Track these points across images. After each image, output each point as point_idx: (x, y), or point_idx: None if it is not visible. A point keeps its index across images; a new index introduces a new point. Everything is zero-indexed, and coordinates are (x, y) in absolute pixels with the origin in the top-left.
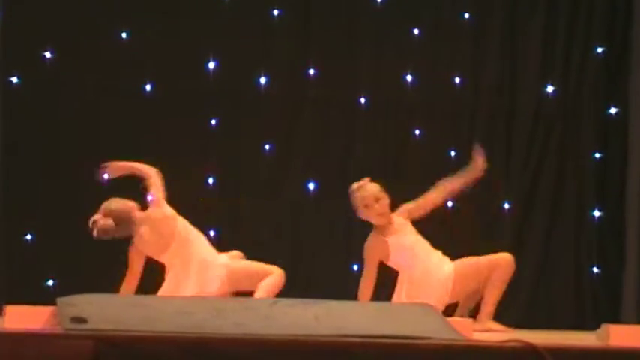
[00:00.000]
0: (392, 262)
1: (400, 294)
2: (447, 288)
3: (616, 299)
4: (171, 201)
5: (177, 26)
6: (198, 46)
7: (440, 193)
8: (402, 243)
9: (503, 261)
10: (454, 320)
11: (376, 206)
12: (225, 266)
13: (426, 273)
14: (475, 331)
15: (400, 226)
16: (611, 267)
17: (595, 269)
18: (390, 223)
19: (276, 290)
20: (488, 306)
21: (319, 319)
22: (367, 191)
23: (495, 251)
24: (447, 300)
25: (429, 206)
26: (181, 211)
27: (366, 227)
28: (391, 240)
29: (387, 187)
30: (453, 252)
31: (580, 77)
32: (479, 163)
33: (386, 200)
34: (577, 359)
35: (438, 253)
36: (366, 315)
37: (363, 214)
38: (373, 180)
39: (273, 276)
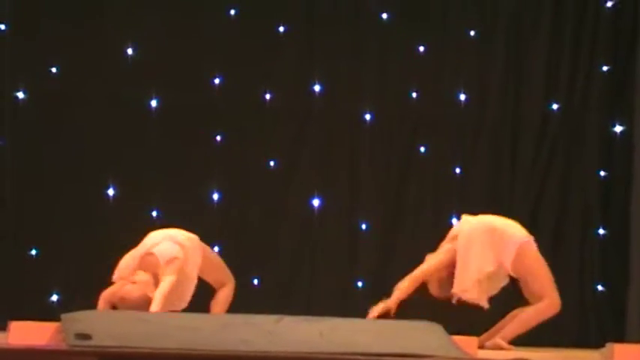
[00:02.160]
0: None
1: None
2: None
3: (620, 317)
4: (176, 216)
5: (182, 41)
6: (203, 61)
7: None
8: None
9: (551, 302)
10: (459, 338)
11: None
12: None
13: None
14: (481, 348)
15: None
16: (615, 285)
17: (599, 287)
18: None
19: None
20: (510, 334)
21: (324, 336)
22: None
23: None
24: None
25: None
26: (185, 225)
27: (371, 243)
28: None
29: (392, 203)
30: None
31: (585, 95)
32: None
33: None
34: None
35: None
36: (371, 332)
37: None
38: (378, 194)
39: (229, 288)
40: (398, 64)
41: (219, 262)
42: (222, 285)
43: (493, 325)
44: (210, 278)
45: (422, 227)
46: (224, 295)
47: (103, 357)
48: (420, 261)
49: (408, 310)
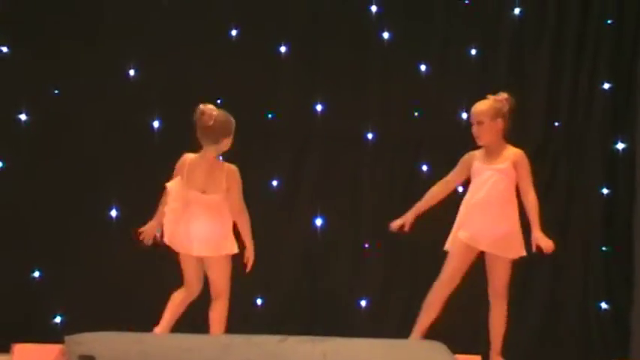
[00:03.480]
0: None
1: None
2: None
3: (624, 335)
4: None
5: (184, 62)
6: (205, 82)
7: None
8: None
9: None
10: (463, 358)
11: None
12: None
13: None
14: None
15: None
16: (619, 303)
17: (603, 305)
18: None
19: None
20: (497, 343)
21: (327, 357)
22: None
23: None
24: None
25: None
26: None
27: (374, 262)
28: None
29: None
30: (462, 287)
31: (587, 112)
32: (542, 241)
33: None
34: None
35: None
36: (374, 352)
37: None
38: (381, 213)
39: (224, 303)
40: (399, 83)
41: (229, 267)
42: (219, 295)
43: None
44: (214, 276)
45: (425, 246)
46: (219, 313)
47: None
48: (424, 285)
49: (412, 328)
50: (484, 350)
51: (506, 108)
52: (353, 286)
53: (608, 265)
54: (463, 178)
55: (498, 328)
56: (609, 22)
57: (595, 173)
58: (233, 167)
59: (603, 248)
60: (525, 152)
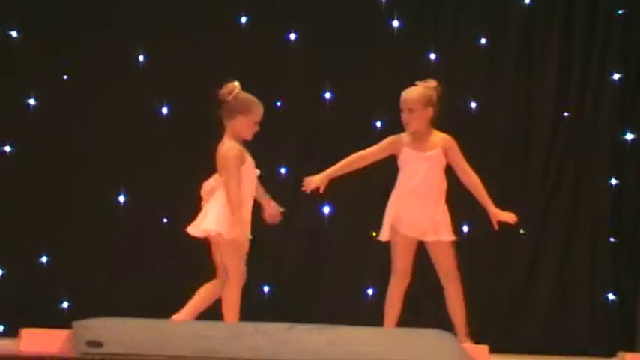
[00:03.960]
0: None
1: None
2: None
3: (631, 326)
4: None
5: (193, 49)
6: (214, 68)
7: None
8: None
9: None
10: (469, 347)
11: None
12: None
13: None
14: None
15: None
16: (626, 293)
17: (610, 296)
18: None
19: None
20: (461, 327)
21: (334, 345)
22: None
23: (511, 277)
24: None
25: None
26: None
27: (382, 251)
28: None
29: None
30: (469, 278)
31: (596, 103)
32: (503, 216)
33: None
34: None
35: None
36: (381, 341)
37: None
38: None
39: (234, 287)
40: (408, 72)
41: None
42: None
43: (502, 332)
44: (224, 259)
45: None
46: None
47: None
48: (430, 273)
49: (418, 318)
50: (491, 339)
51: (435, 96)
52: (360, 275)
53: (615, 256)
54: (383, 157)
55: (459, 312)
56: (619, 12)
57: (603, 164)
58: (226, 151)
59: (611, 239)
60: (535, 143)
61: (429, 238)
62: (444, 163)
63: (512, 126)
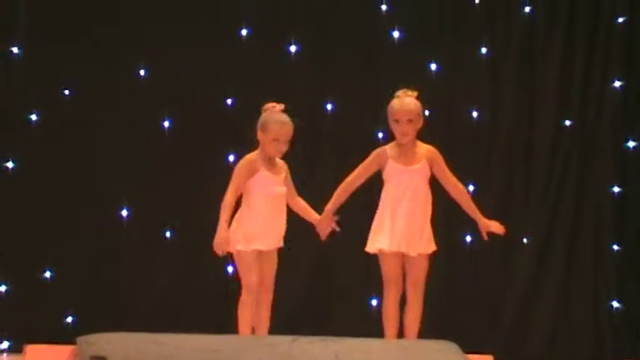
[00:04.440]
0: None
1: None
2: None
3: (636, 334)
4: (190, 237)
5: (195, 61)
6: (216, 81)
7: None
8: None
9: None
10: (475, 358)
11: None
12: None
13: None
14: None
15: None
16: (630, 301)
17: (615, 303)
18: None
19: None
20: (413, 335)
21: (339, 357)
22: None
23: (515, 286)
24: None
25: None
26: (200, 246)
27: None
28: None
29: None
30: (473, 287)
31: (598, 111)
32: (492, 226)
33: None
34: None
35: None
36: (387, 353)
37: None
38: None
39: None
40: (410, 82)
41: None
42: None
43: (507, 341)
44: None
45: (435, 245)
46: (240, 309)
47: None
48: (435, 283)
49: (423, 329)
50: (495, 349)
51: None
52: (365, 285)
53: (620, 264)
54: (372, 173)
55: (415, 324)
56: (620, 19)
57: (606, 171)
58: (240, 161)
59: (615, 247)
60: (537, 151)
61: (413, 252)
62: (429, 174)
63: (514, 135)
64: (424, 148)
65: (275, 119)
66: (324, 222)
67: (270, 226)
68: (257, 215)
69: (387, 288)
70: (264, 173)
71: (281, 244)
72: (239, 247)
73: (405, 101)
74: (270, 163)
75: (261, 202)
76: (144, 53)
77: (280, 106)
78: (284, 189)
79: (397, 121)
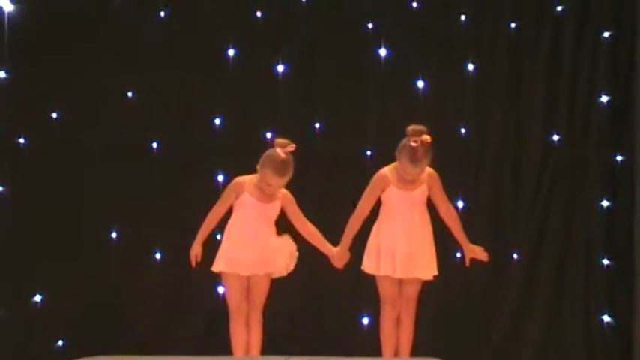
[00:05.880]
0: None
1: None
2: None
3: (627, 347)
4: (180, 257)
5: (182, 83)
6: (203, 102)
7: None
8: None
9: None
10: None
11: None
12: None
13: None
14: None
15: None
16: (621, 315)
17: (605, 317)
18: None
19: None
20: (406, 351)
21: None
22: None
23: (505, 301)
24: None
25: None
26: (189, 266)
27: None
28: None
29: None
30: (463, 302)
31: (585, 125)
32: (477, 253)
33: None
34: None
35: None
36: None
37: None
38: None
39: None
40: (397, 99)
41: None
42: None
43: (497, 356)
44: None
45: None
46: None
47: None
48: (425, 300)
49: (415, 345)
50: None
51: None
52: (355, 304)
53: (609, 277)
54: (377, 198)
55: (408, 339)
56: (606, 34)
57: (594, 186)
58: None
59: (604, 261)
60: (525, 166)
61: (415, 275)
62: (427, 196)
63: (502, 151)
64: (424, 172)
65: (276, 168)
66: (342, 256)
67: (254, 251)
68: (236, 238)
69: (384, 307)
70: (246, 197)
71: (271, 270)
72: (220, 269)
73: (420, 126)
74: (261, 189)
75: (241, 226)
76: (131, 75)
77: (292, 147)
78: (270, 218)
79: (418, 142)
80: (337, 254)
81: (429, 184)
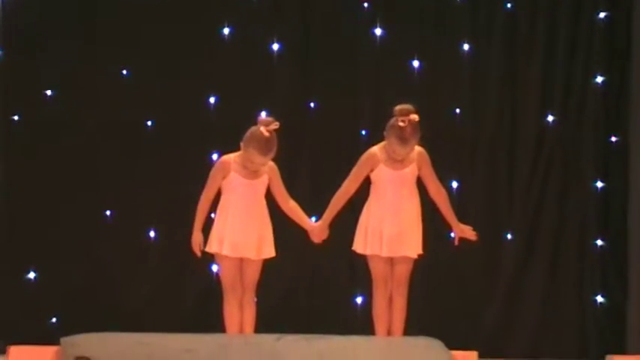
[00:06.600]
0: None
1: None
2: None
3: (620, 329)
4: (174, 236)
5: (177, 61)
6: (198, 81)
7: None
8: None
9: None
10: (458, 354)
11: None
12: None
13: None
14: None
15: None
16: (614, 296)
17: (599, 299)
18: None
19: None
20: (399, 330)
21: (324, 356)
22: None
23: (499, 282)
24: None
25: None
26: (184, 246)
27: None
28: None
29: None
30: (457, 283)
31: (580, 106)
32: (466, 232)
33: None
34: None
35: None
36: (371, 350)
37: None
38: None
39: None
40: (392, 79)
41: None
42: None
43: (491, 337)
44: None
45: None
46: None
47: None
48: (420, 281)
49: (408, 326)
50: (480, 345)
51: None
52: (348, 284)
53: (603, 259)
54: (364, 178)
55: (401, 320)
56: (602, 14)
57: (589, 167)
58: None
59: (598, 242)
60: (520, 147)
61: (401, 254)
62: (416, 176)
63: (497, 131)
64: (414, 151)
65: (260, 146)
66: (321, 231)
67: (245, 232)
68: (226, 219)
69: (377, 287)
70: (233, 176)
71: (261, 251)
72: (214, 250)
73: (407, 105)
74: (246, 166)
75: (230, 206)
76: (126, 53)
77: (275, 125)
78: (260, 194)
79: (405, 121)
80: (316, 229)
81: (419, 163)
